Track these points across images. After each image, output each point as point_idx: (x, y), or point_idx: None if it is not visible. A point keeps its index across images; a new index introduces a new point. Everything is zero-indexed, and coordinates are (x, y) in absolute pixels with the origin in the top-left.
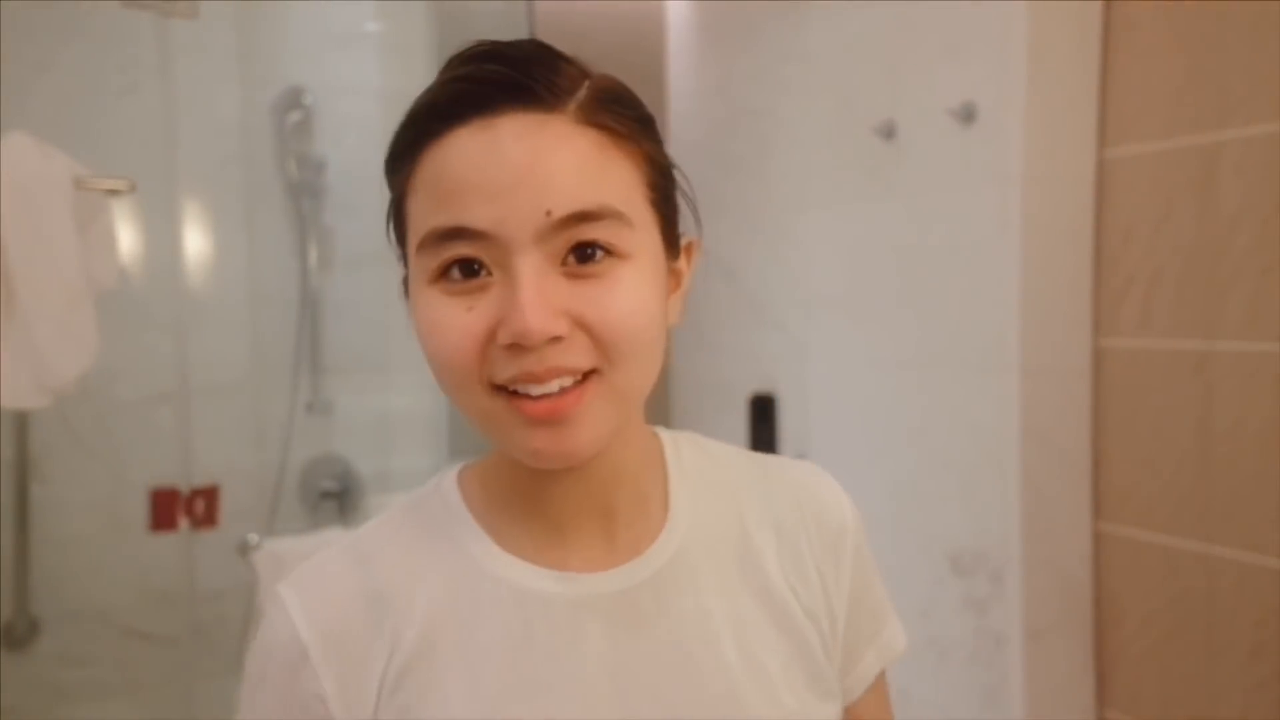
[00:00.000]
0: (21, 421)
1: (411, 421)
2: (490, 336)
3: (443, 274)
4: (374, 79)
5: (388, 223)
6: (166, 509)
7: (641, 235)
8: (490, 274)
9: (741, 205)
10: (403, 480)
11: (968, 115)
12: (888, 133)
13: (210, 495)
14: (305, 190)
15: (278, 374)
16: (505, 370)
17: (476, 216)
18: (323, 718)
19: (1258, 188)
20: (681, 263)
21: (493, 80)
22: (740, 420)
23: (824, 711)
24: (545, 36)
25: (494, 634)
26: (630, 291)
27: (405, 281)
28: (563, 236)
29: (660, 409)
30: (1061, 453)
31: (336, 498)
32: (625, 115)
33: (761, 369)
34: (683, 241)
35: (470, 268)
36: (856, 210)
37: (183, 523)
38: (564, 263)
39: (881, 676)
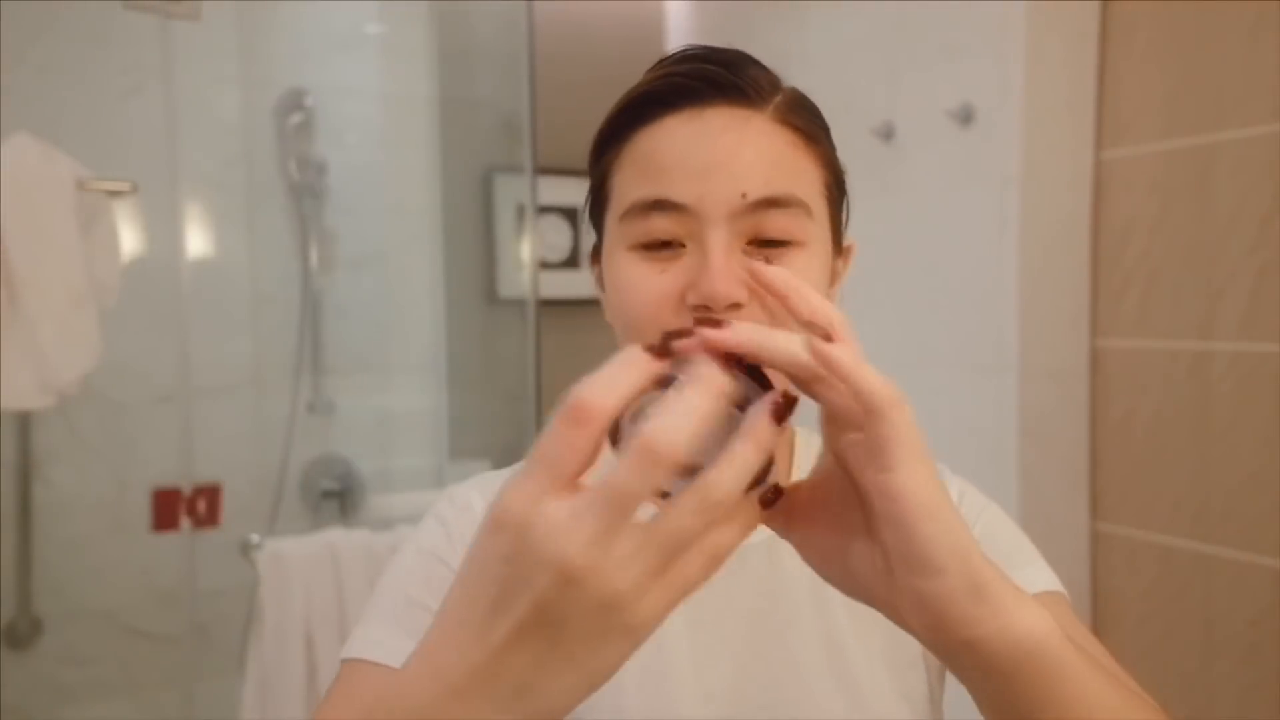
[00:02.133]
0: (24, 422)
1: (412, 421)
2: (679, 298)
3: (641, 242)
4: (375, 81)
5: (587, 200)
6: (168, 509)
7: (817, 228)
8: (683, 245)
9: None
10: (403, 480)
11: (966, 116)
12: (886, 134)
13: (212, 495)
14: (306, 191)
15: (279, 374)
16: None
17: (680, 191)
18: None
19: (1254, 189)
20: (839, 263)
21: (706, 77)
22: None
23: (895, 700)
24: (545, 36)
25: None
26: (802, 272)
27: (595, 250)
28: (751, 219)
29: None
30: (1059, 452)
31: (337, 497)
32: (813, 121)
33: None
34: (845, 243)
35: (665, 241)
36: (855, 211)
37: (184, 522)
38: (749, 244)
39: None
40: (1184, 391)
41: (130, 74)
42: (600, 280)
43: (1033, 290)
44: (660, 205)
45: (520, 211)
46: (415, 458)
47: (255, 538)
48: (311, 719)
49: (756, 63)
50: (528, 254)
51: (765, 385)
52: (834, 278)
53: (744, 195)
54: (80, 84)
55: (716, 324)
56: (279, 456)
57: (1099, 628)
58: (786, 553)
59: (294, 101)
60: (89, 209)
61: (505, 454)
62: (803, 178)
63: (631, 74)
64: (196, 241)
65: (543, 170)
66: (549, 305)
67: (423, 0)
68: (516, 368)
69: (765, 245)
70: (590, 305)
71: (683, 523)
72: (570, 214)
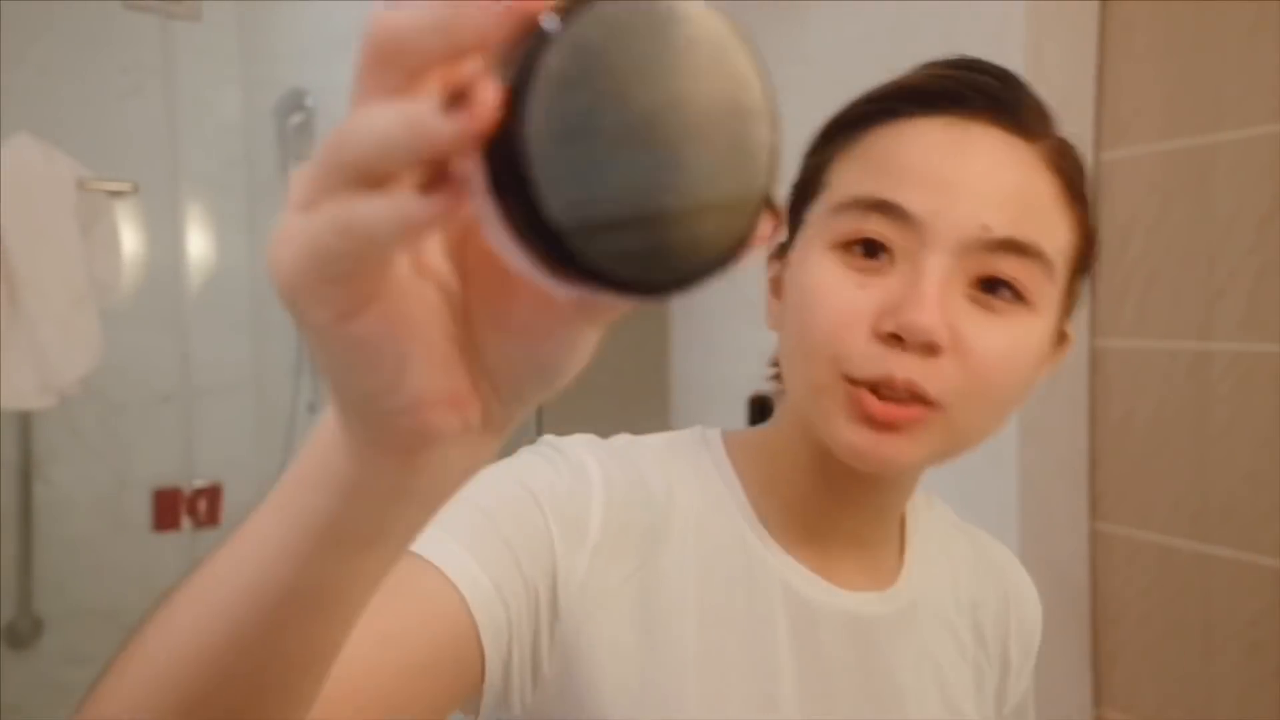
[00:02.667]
0: (25, 422)
1: None
2: (873, 322)
3: (846, 244)
4: None
5: (790, 192)
6: (169, 508)
7: (1052, 292)
8: (892, 261)
9: None
10: None
11: None
12: None
13: (213, 495)
14: None
15: (279, 374)
16: (866, 366)
17: (913, 199)
18: (560, 523)
19: (1254, 189)
20: (1055, 350)
21: (980, 88)
22: (740, 420)
23: None
24: None
25: (745, 608)
26: (1019, 339)
27: (781, 248)
28: (984, 258)
29: (660, 409)
30: (1058, 452)
31: None
32: (1081, 176)
33: (761, 369)
34: (1066, 329)
35: (873, 249)
36: None
37: (185, 522)
38: (970, 286)
39: None
40: (1184, 392)
41: (131, 74)
42: (775, 281)
43: None
44: (885, 208)
45: None
46: None
47: None
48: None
49: (1036, 94)
50: None
51: None
52: (1043, 363)
53: (986, 227)
54: (81, 84)
55: (894, 390)
56: (279, 456)
57: (1098, 627)
58: (905, 635)
59: (294, 102)
60: (90, 209)
61: (505, 453)
62: (1055, 233)
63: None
64: (197, 242)
65: None
66: None
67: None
68: None
69: (989, 292)
70: None
71: (315, 178)
72: None
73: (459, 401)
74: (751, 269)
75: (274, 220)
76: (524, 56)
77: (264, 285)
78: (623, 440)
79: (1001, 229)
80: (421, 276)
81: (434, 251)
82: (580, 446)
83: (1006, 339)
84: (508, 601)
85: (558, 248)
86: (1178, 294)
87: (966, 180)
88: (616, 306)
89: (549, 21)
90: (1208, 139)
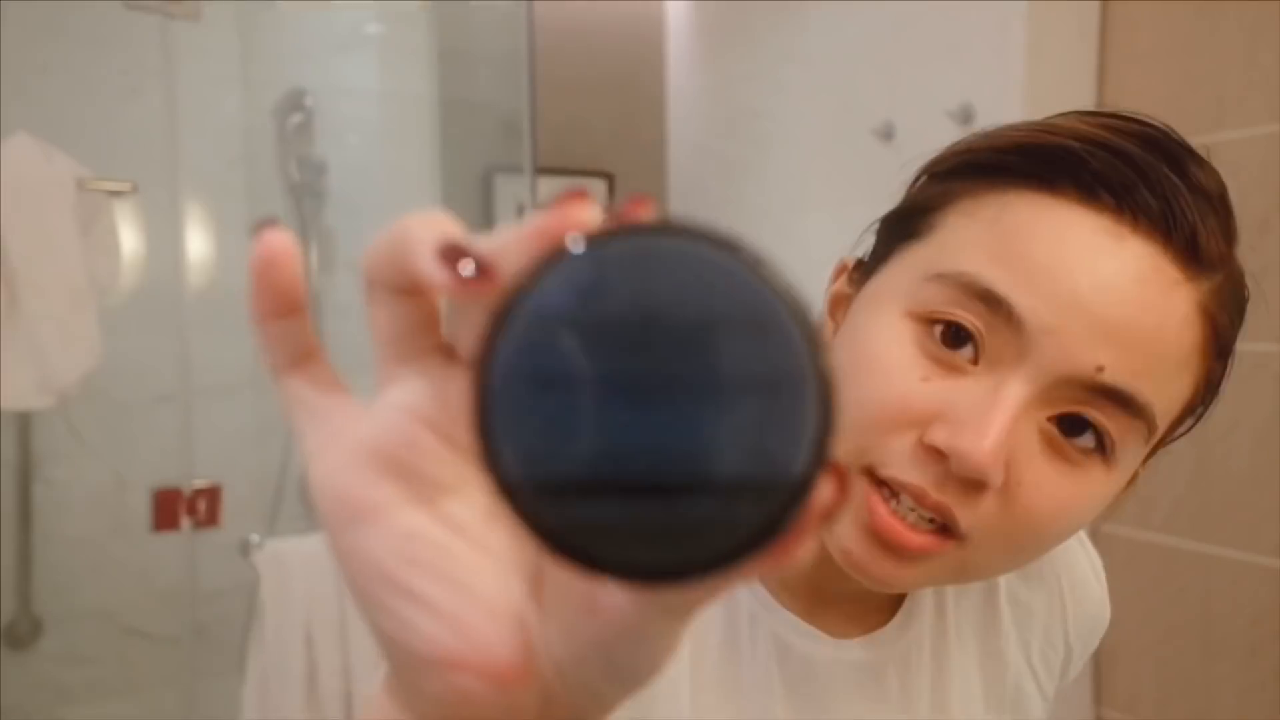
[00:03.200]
0: (24, 422)
1: None
2: (920, 422)
3: (930, 320)
4: (375, 81)
5: (900, 208)
6: (169, 509)
7: (1141, 451)
8: (974, 361)
9: (741, 206)
10: None
11: (966, 117)
12: (886, 134)
13: (212, 495)
14: (306, 192)
15: None
16: (898, 466)
17: (1030, 305)
18: None
19: (1254, 189)
20: (1128, 488)
21: (1160, 190)
22: None
23: None
24: (545, 36)
25: (736, 671)
26: (1083, 496)
27: (861, 266)
28: (1080, 398)
29: None
30: None
31: None
32: (1237, 323)
33: None
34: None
35: (960, 338)
36: (855, 211)
37: (185, 522)
38: (1050, 419)
39: None
40: None
41: (130, 74)
42: (837, 301)
43: None
44: (993, 301)
45: (520, 211)
46: None
47: (256, 538)
48: None
49: (1229, 215)
50: None
51: None
52: (1113, 502)
53: (1100, 369)
54: (80, 84)
55: (920, 502)
56: (279, 456)
57: None
58: (916, 668)
59: (294, 102)
60: (89, 209)
61: None
62: (1175, 392)
63: (632, 74)
64: (197, 241)
65: (543, 170)
66: None
67: (423, 0)
68: None
69: (1070, 434)
70: None
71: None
72: None
73: (500, 674)
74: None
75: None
76: (531, 270)
77: None
78: None
79: (1115, 376)
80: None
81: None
82: None
83: (1068, 495)
84: None
85: (514, 506)
86: None
87: (1098, 306)
88: (660, 592)
89: (572, 241)
90: (1208, 139)
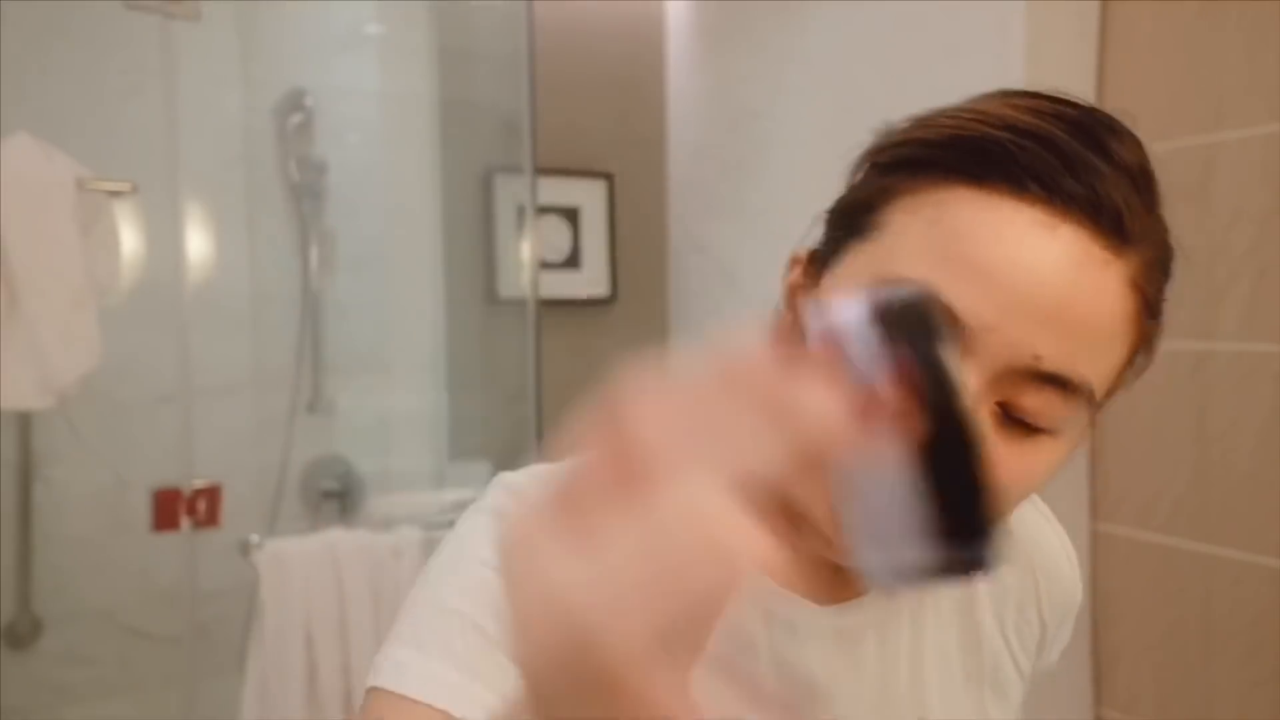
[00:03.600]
0: (24, 422)
1: (413, 421)
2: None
3: None
4: (375, 81)
5: (841, 205)
6: (168, 509)
7: (1085, 416)
8: None
9: (741, 205)
10: (404, 480)
11: None
12: None
13: (212, 495)
14: (307, 192)
15: (279, 374)
16: None
17: (972, 310)
18: None
19: (1255, 188)
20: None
21: (1083, 177)
22: None
23: None
24: (545, 36)
25: (720, 634)
26: (1037, 468)
27: (815, 257)
28: (1022, 385)
29: None
30: None
31: (338, 498)
32: (1165, 287)
33: None
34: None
35: None
36: None
37: (185, 522)
38: (998, 404)
39: None
40: (1185, 392)
41: (130, 74)
42: (794, 291)
43: None
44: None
45: (520, 212)
46: (415, 458)
47: (255, 538)
48: None
49: (1153, 184)
50: (528, 254)
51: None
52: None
53: (1038, 358)
54: (80, 84)
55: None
56: (279, 457)
57: (1099, 628)
58: (894, 634)
59: (294, 102)
60: (89, 209)
61: (505, 454)
62: (1108, 363)
63: (632, 74)
64: (197, 241)
65: (543, 170)
66: (549, 305)
67: (422, 0)
68: (516, 368)
69: (1018, 415)
70: (590, 305)
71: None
72: (570, 214)
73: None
74: (752, 271)
75: (273, 219)
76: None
77: (263, 285)
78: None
79: (1052, 364)
80: None
81: None
82: (528, 480)
83: (1023, 467)
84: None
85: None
86: (1178, 293)
87: (1034, 299)
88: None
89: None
90: (1208, 138)
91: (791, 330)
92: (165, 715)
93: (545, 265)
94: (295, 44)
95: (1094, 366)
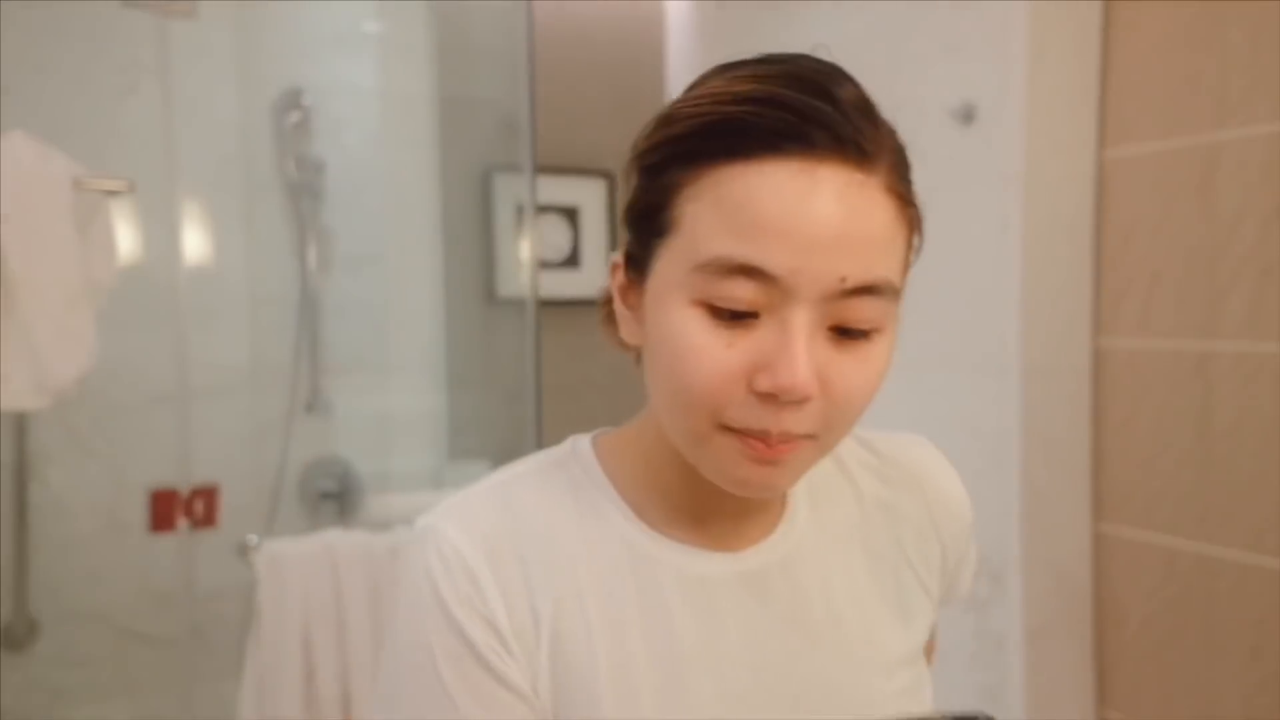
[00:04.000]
0: (20, 422)
1: (411, 421)
2: (747, 379)
3: (713, 303)
4: (373, 80)
5: (632, 208)
6: (166, 509)
7: (899, 304)
8: (757, 317)
9: None
10: (403, 480)
11: (967, 115)
12: None
13: (209, 496)
14: (304, 191)
15: (277, 374)
16: (745, 419)
17: (776, 262)
18: (494, 645)
19: (1257, 188)
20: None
21: (821, 122)
22: None
23: (925, 681)
24: (545, 36)
25: (637, 603)
26: (877, 366)
27: (630, 260)
28: (841, 304)
29: None
30: (1061, 453)
31: (336, 498)
32: (910, 180)
33: None
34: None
35: (739, 309)
36: None
37: (182, 523)
38: (830, 328)
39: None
40: (1187, 392)
41: (127, 72)
42: (626, 291)
43: (1035, 290)
44: (749, 272)
45: (520, 211)
46: (414, 458)
47: (253, 539)
48: None
49: (874, 109)
50: (527, 254)
51: None
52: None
53: (843, 280)
54: (77, 82)
55: (769, 441)
56: (277, 457)
57: (1101, 629)
58: (800, 570)
59: (291, 100)
60: (85, 208)
61: (504, 454)
62: (896, 254)
63: (632, 74)
64: (193, 241)
65: (542, 170)
66: (549, 305)
67: None
68: (516, 368)
69: (848, 330)
70: (590, 305)
71: None
72: (570, 214)
73: None
74: None
75: (271, 219)
76: None
77: (261, 284)
78: (493, 482)
79: (856, 278)
80: None
81: None
82: (453, 533)
83: (866, 373)
84: None
85: None
86: (1181, 293)
87: (821, 235)
88: None
89: None
90: (1211, 138)
91: (629, 322)
92: (162, 717)
93: (545, 265)
94: (293, 42)
95: (887, 265)
